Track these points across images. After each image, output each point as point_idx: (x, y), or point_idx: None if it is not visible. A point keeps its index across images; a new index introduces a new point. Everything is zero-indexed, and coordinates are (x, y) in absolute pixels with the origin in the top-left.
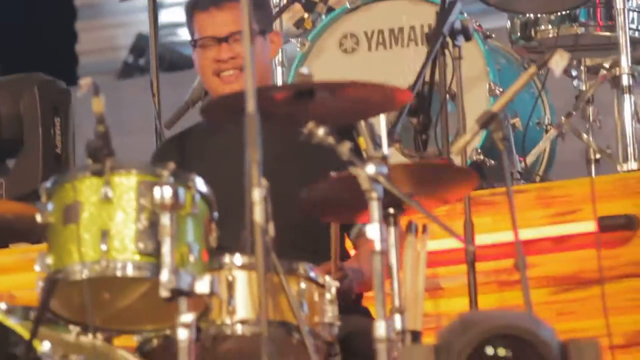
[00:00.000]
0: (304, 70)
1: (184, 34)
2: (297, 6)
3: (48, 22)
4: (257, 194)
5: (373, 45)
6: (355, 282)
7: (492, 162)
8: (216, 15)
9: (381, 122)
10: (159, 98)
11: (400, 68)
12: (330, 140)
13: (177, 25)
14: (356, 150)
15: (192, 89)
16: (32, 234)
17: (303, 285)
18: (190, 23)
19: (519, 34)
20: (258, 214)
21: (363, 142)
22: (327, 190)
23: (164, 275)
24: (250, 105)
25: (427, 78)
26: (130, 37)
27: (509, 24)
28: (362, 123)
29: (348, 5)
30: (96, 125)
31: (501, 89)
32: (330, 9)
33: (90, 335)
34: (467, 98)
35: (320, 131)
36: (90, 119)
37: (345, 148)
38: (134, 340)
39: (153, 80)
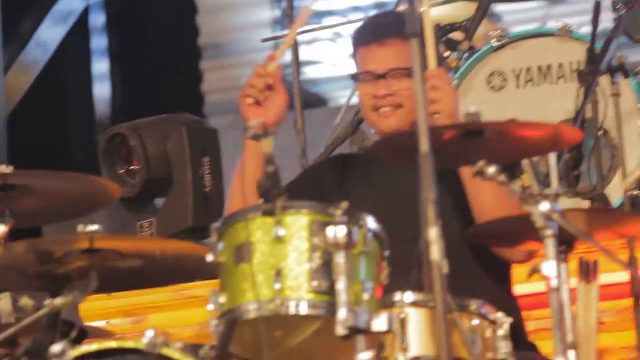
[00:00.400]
0: (473, 109)
1: (310, 72)
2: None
3: (173, 62)
4: (434, 234)
5: (521, 82)
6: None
7: None
8: (377, 51)
9: (551, 161)
10: (305, 135)
11: (549, 105)
12: (502, 178)
13: (304, 64)
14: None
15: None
16: (201, 273)
17: (475, 322)
18: (354, 56)
19: None
20: (435, 253)
21: (527, 180)
22: (497, 226)
23: (342, 314)
24: (424, 144)
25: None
26: None
27: None
28: (526, 161)
29: (494, 44)
30: (266, 165)
31: None
32: (472, 48)
33: None
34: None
35: (492, 169)
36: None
37: (517, 186)
38: None
39: (298, 119)
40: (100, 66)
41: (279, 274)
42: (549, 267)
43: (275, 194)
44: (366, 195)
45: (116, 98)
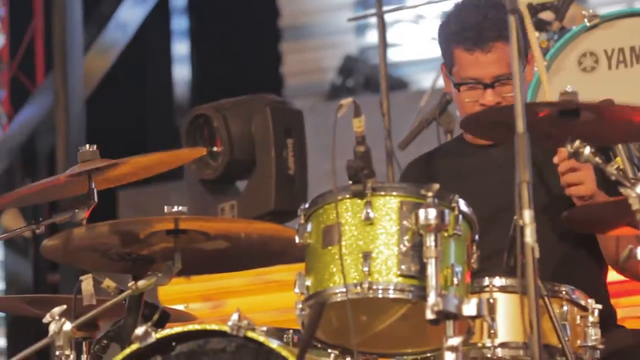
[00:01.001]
0: (569, 88)
1: (391, 55)
2: None
3: (253, 44)
4: (528, 216)
5: (613, 63)
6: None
7: None
8: (481, 58)
9: None
10: (389, 117)
11: None
12: (598, 160)
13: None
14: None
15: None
16: (286, 255)
17: (565, 307)
18: (448, 52)
19: None
20: (529, 235)
21: (620, 163)
22: (593, 210)
23: (431, 298)
24: (520, 124)
25: None
26: (335, 59)
27: None
28: (620, 145)
29: (587, 23)
30: (356, 145)
31: None
32: (562, 28)
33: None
34: None
35: (587, 150)
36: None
37: (613, 168)
38: None
39: (383, 100)
40: (180, 47)
41: (367, 257)
42: None
43: (365, 175)
44: (453, 182)
45: (195, 80)
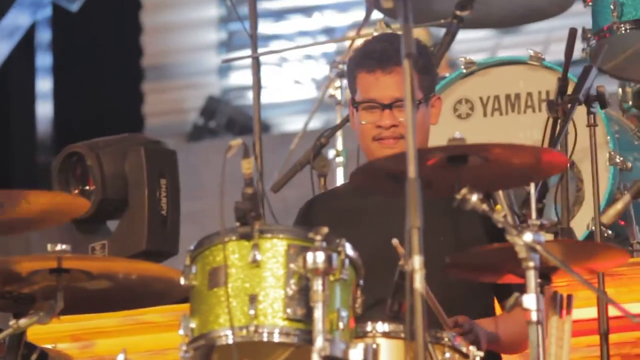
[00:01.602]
0: (457, 134)
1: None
2: None
3: (116, 83)
4: (417, 261)
5: (489, 111)
6: (483, 340)
7: (610, 232)
8: (382, 78)
9: (531, 190)
10: (261, 160)
11: (516, 135)
12: (485, 207)
13: (247, 88)
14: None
15: (289, 154)
16: (167, 296)
17: (447, 354)
18: (352, 80)
19: (630, 102)
20: (418, 281)
21: (500, 210)
22: (477, 257)
23: (319, 342)
24: (412, 170)
25: (546, 144)
26: (197, 100)
27: (620, 91)
28: (500, 192)
29: (464, 70)
30: (245, 187)
31: (621, 158)
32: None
33: None
34: (586, 166)
35: (474, 197)
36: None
37: (500, 216)
38: None
39: (255, 141)
40: (44, 84)
41: (253, 299)
42: (530, 300)
43: (253, 217)
44: (346, 225)
45: (58, 117)
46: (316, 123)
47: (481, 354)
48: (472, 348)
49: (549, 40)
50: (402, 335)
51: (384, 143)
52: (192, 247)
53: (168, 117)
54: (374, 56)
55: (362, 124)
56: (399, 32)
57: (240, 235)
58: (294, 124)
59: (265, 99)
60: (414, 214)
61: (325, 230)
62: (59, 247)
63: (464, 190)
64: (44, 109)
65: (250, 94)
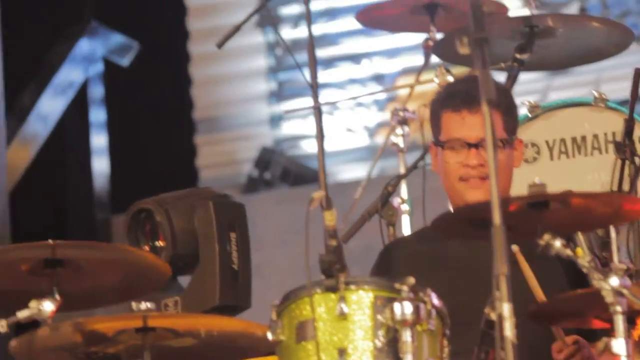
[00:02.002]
0: (537, 180)
1: (307, 147)
2: None
3: (167, 137)
4: (507, 309)
5: (555, 154)
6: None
7: None
8: (468, 118)
9: (612, 233)
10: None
11: (584, 178)
12: (569, 252)
13: (300, 137)
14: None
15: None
16: (252, 351)
17: None
18: (436, 120)
19: None
20: (509, 329)
21: (581, 253)
22: (561, 303)
23: None
24: (496, 217)
25: (615, 187)
26: (250, 151)
27: None
28: (580, 234)
29: (528, 114)
30: (328, 239)
31: None
32: None
33: None
34: None
35: (558, 243)
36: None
37: (585, 261)
38: None
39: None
40: (99, 139)
41: (342, 353)
42: (620, 345)
43: (337, 269)
44: (429, 272)
45: (114, 172)
46: (374, 171)
47: None
48: None
49: (599, 81)
50: None
51: (470, 183)
52: (277, 302)
53: (222, 169)
54: (460, 96)
55: (447, 163)
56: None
57: (326, 287)
58: (347, 172)
59: (316, 148)
60: (500, 261)
61: (411, 280)
62: (143, 305)
63: (546, 236)
64: (100, 165)
65: (303, 144)
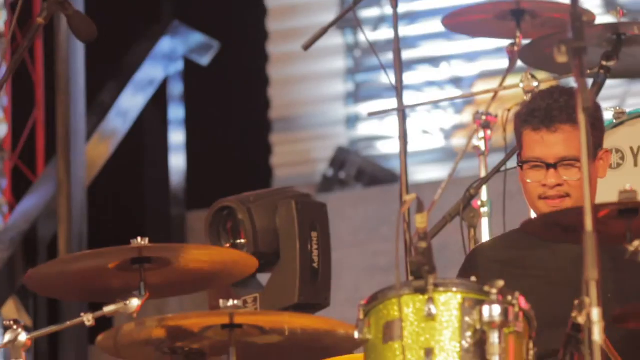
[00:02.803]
0: (628, 186)
1: (382, 147)
2: None
3: (243, 136)
4: (596, 314)
5: (639, 160)
6: None
7: None
8: (546, 137)
9: None
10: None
11: None
12: None
13: (376, 138)
14: None
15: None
16: (337, 350)
17: None
18: (518, 136)
19: None
20: (597, 334)
21: None
22: None
23: None
24: (588, 223)
25: None
26: (325, 151)
27: None
28: None
29: (614, 120)
30: (418, 241)
31: None
32: None
33: None
34: None
35: None
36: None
37: None
38: None
39: (403, 194)
40: (177, 136)
41: (429, 353)
42: None
43: (426, 271)
44: (517, 275)
45: (191, 169)
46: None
47: None
48: None
49: None
50: None
51: (549, 202)
52: (364, 302)
53: (296, 168)
54: (539, 115)
55: (527, 182)
56: (564, 86)
57: (415, 289)
58: (422, 173)
59: (391, 149)
60: (591, 266)
61: (500, 283)
62: (230, 302)
63: (636, 242)
64: (177, 161)
65: (379, 144)
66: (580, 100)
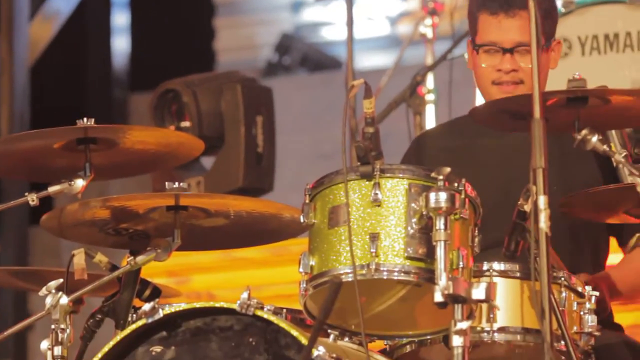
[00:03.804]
0: (576, 74)
1: (327, 34)
2: None
3: (186, 19)
4: (543, 201)
5: (587, 50)
6: (607, 296)
7: None
8: (504, 22)
9: None
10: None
11: (615, 74)
12: (605, 147)
13: (320, 24)
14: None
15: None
16: (280, 234)
17: (564, 293)
18: (473, 20)
19: None
20: (543, 221)
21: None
22: (593, 197)
23: (442, 281)
24: (537, 110)
25: None
26: (270, 36)
27: None
28: (613, 132)
29: (562, 9)
30: (365, 126)
31: None
32: None
33: (347, 339)
34: None
35: (595, 138)
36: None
37: (621, 157)
38: (384, 344)
39: (349, 80)
40: (120, 19)
41: (374, 238)
42: None
43: (373, 156)
44: (465, 161)
45: (134, 51)
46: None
47: (596, 293)
48: (587, 288)
49: None
50: (518, 274)
51: (502, 88)
52: (310, 186)
53: (240, 53)
54: None
55: (481, 66)
56: None
57: (361, 174)
58: (367, 61)
59: (336, 35)
60: (539, 154)
61: (447, 170)
62: (176, 184)
63: (584, 131)
64: (120, 43)
65: (323, 31)
66: None
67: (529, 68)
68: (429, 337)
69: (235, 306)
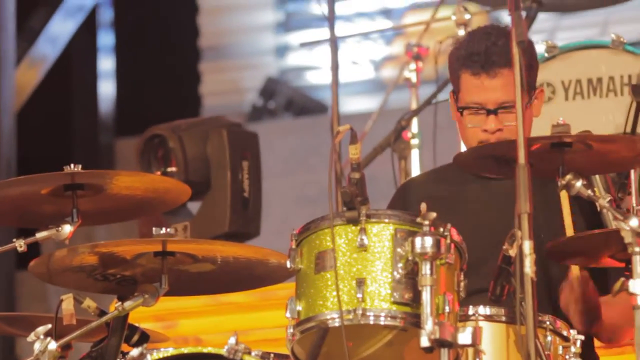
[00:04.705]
0: (560, 120)
1: (312, 78)
2: None
3: (171, 64)
4: (528, 246)
5: (570, 95)
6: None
7: None
8: (486, 82)
9: (632, 175)
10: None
11: (599, 119)
12: (590, 193)
13: (305, 68)
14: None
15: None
16: (268, 280)
17: (549, 337)
18: (455, 77)
19: None
20: (528, 266)
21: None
22: (578, 242)
23: (429, 325)
24: (521, 156)
25: (629, 129)
26: (255, 80)
27: None
28: (597, 176)
29: (546, 54)
30: (351, 172)
31: None
32: None
33: None
34: None
35: (579, 183)
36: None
37: (605, 201)
38: None
39: (334, 124)
40: (106, 63)
41: (361, 284)
42: (637, 285)
43: (359, 201)
44: (451, 208)
45: (120, 96)
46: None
47: (582, 337)
48: (572, 332)
49: (607, 22)
50: (504, 318)
51: None
52: (297, 232)
53: (225, 97)
54: (478, 59)
55: (466, 127)
56: (498, 24)
57: (347, 219)
58: (351, 104)
59: (321, 79)
60: (523, 199)
61: (433, 215)
62: (163, 230)
63: (569, 176)
64: (106, 88)
65: (307, 75)
66: (515, 34)
67: (514, 126)
68: None
69: (223, 352)
